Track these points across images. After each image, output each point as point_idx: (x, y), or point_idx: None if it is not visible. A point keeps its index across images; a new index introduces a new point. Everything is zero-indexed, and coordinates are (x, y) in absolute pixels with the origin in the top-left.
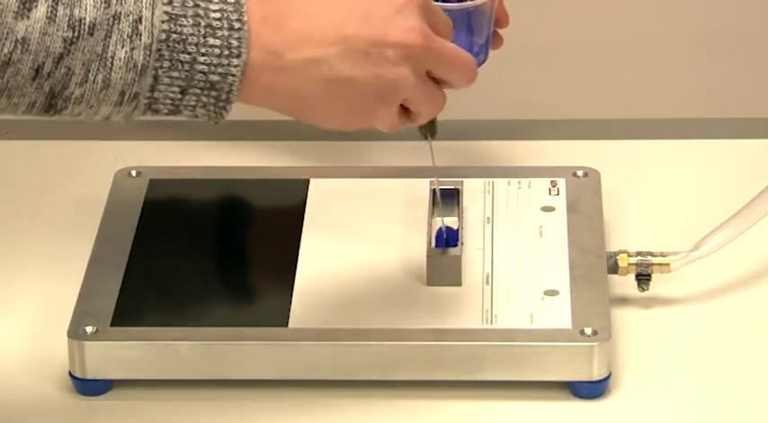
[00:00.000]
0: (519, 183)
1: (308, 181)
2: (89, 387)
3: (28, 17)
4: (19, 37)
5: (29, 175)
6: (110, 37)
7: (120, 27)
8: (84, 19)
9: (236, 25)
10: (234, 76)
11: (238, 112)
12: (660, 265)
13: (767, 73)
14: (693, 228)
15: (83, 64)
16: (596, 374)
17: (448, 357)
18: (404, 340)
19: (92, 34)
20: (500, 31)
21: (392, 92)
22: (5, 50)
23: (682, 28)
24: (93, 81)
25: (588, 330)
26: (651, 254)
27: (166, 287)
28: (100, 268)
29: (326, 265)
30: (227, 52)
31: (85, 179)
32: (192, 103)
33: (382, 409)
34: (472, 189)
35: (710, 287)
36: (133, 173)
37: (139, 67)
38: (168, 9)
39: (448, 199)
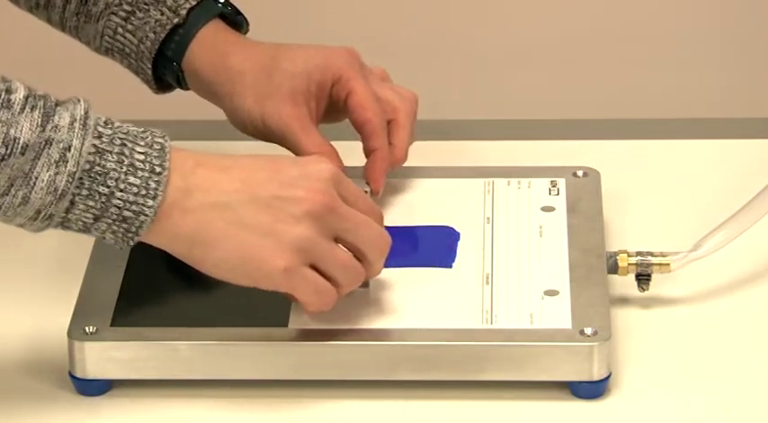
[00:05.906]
0: (519, 183)
1: None
2: (89, 387)
3: None
4: None
5: None
6: (38, 159)
7: (50, 152)
8: (19, 139)
9: (158, 169)
10: (147, 215)
11: None
12: (660, 265)
13: (767, 73)
14: (693, 228)
15: (8, 178)
16: (596, 374)
17: (448, 357)
18: (404, 340)
19: (23, 154)
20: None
21: (292, 248)
22: None
23: (682, 28)
24: (14, 195)
25: (588, 330)
26: (651, 254)
27: (166, 287)
28: (100, 268)
29: None
30: (143, 192)
31: None
32: (103, 228)
33: (382, 409)
34: (472, 189)
35: (710, 287)
36: None
37: (59, 192)
38: (96, 143)
39: None
